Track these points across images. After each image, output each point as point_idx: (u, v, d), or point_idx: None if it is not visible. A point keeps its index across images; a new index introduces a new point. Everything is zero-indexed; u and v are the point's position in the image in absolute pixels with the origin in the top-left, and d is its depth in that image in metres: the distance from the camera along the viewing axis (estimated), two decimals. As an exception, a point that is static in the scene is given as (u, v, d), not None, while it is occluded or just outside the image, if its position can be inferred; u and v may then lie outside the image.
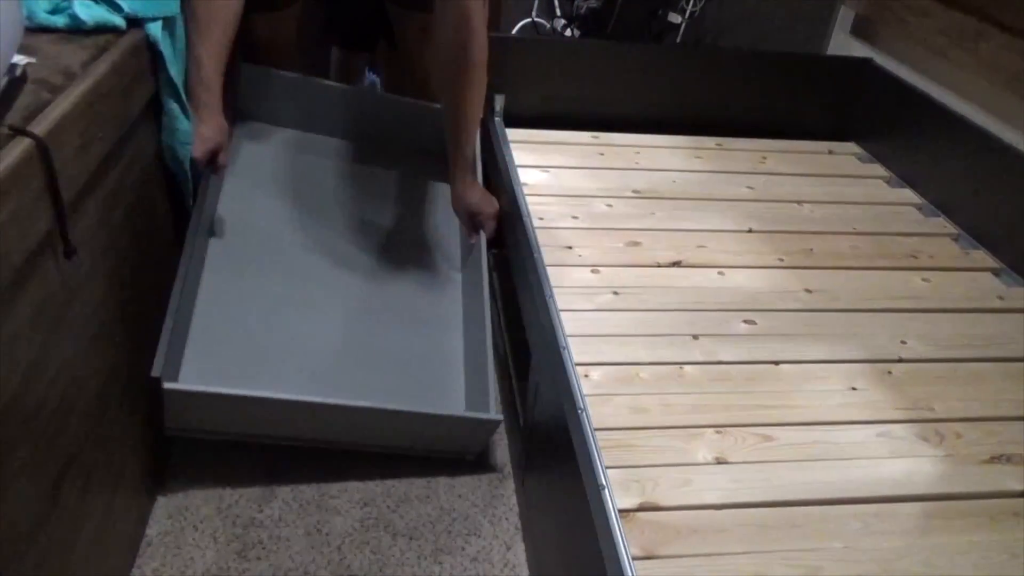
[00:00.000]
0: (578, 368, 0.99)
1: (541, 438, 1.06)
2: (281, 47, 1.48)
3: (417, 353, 1.27)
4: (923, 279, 1.26)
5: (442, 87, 1.28)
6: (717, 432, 0.93)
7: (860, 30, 1.78)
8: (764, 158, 1.63)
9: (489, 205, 1.34)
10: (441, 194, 1.50)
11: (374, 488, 1.20)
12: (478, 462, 1.25)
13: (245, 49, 1.42)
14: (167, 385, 1.03)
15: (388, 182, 1.53)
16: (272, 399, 1.08)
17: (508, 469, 1.24)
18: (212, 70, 1.16)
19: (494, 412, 1.16)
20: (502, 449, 1.28)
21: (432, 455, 1.23)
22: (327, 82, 1.56)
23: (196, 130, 1.16)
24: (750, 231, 1.36)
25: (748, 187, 1.51)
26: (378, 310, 1.31)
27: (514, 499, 1.20)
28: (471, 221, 1.35)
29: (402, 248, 1.42)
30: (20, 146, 0.70)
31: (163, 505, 1.14)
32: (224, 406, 1.09)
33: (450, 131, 1.29)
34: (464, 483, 1.22)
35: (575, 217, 1.35)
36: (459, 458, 1.24)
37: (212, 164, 1.20)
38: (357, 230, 1.41)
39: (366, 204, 1.46)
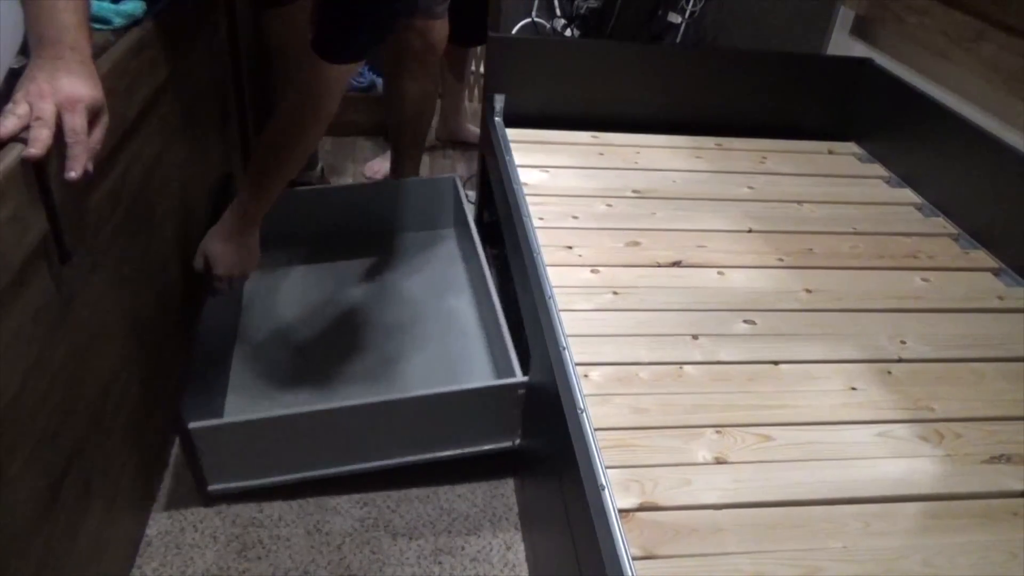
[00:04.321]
0: (578, 368, 0.99)
1: (541, 438, 1.06)
2: (297, 45, 1.47)
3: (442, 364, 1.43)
4: (923, 279, 1.26)
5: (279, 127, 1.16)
6: (717, 432, 0.93)
7: (860, 30, 1.78)
8: (764, 158, 1.64)
9: None
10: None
11: (374, 488, 1.20)
12: (478, 462, 1.25)
13: (260, 56, 1.43)
14: (193, 425, 1.05)
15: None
16: (311, 412, 1.10)
17: (508, 469, 1.24)
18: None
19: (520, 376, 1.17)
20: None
21: (479, 450, 1.21)
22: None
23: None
24: (750, 231, 1.36)
25: (748, 187, 1.51)
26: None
27: (514, 499, 1.20)
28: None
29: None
30: (18, 147, 0.70)
31: (163, 505, 1.14)
32: (260, 435, 1.10)
33: (255, 166, 1.18)
34: (464, 483, 1.22)
35: (575, 217, 1.35)
36: (507, 447, 1.21)
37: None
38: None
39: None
